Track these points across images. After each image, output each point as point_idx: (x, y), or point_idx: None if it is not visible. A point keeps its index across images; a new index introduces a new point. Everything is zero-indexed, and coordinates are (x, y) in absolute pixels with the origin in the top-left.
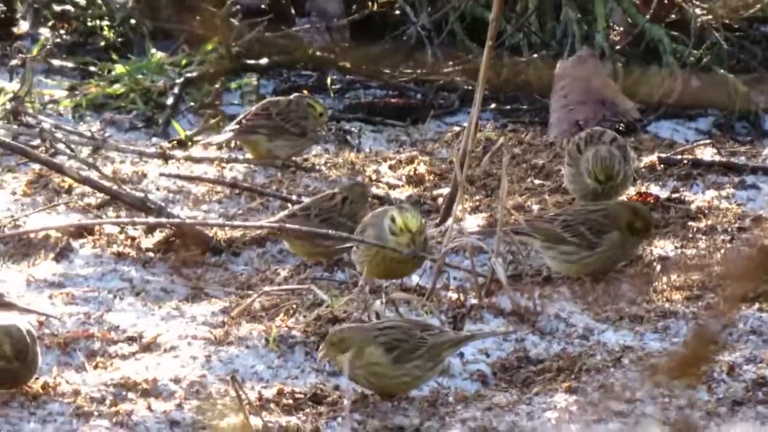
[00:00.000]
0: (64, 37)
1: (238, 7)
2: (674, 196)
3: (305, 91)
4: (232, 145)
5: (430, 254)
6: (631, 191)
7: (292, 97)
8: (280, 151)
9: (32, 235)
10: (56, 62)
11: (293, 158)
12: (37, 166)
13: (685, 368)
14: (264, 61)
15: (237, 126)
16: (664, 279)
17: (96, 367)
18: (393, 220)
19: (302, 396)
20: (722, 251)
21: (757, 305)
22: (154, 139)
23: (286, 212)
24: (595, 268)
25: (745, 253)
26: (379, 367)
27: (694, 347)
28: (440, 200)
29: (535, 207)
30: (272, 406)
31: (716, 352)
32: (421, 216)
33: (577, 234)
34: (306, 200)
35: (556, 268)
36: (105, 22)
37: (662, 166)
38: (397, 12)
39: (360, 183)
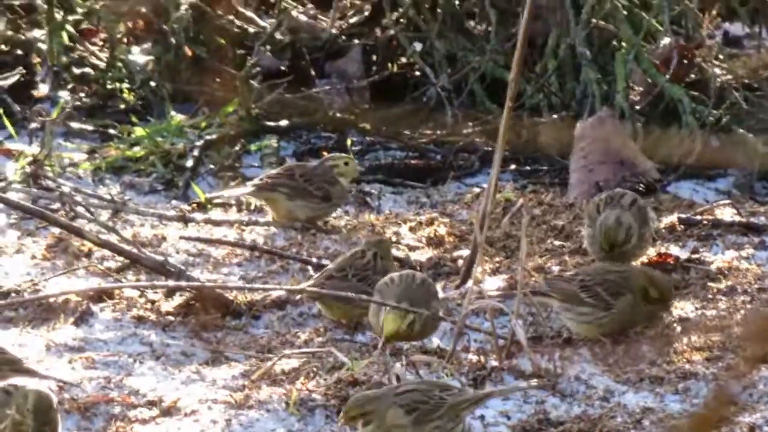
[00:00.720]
0: (84, 99)
1: (258, 69)
2: (694, 256)
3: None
4: (252, 207)
5: (450, 317)
6: (651, 252)
7: (321, 160)
8: (299, 212)
9: (52, 300)
10: (75, 125)
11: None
12: (56, 230)
13: (703, 429)
14: (284, 122)
15: (258, 183)
16: (685, 340)
17: (116, 431)
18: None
19: None
20: (742, 312)
21: None
22: (173, 202)
23: (322, 274)
24: (611, 329)
25: (765, 313)
26: (401, 430)
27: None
28: (460, 262)
29: (555, 268)
30: None
31: (736, 413)
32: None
33: (593, 295)
34: (336, 261)
35: (575, 329)
36: (125, 85)
37: (682, 226)
38: (417, 73)
39: (383, 239)
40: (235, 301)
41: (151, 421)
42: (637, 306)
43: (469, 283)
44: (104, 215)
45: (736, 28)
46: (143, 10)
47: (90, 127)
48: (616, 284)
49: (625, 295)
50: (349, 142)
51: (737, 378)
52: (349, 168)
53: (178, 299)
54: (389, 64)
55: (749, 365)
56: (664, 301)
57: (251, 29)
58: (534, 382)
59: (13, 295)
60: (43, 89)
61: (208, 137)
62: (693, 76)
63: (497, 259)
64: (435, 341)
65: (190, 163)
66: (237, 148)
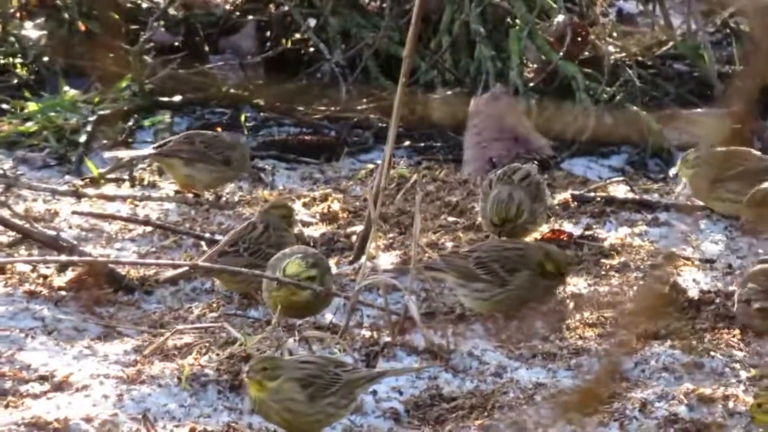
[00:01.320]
0: None
1: (152, 44)
2: (587, 233)
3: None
4: (146, 182)
5: (343, 292)
6: (545, 228)
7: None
8: (199, 176)
9: None
10: None
11: (215, 191)
12: None
13: (592, 403)
14: (177, 98)
15: (156, 147)
16: (577, 316)
17: (7, 406)
18: (283, 271)
19: None
20: (635, 288)
21: (669, 342)
22: (66, 177)
23: (215, 250)
24: (507, 306)
25: (657, 290)
26: (294, 404)
27: (602, 382)
28: (354, 238)
29: (449, 244)
30: None
31: (628, 389)
32: (319, 268)
33: (490, 271)
34: (228, 235)
35: (469, 305)
36: (18, 60)
37: (575, 203)
38: (311, 49)
39: (277, 204)
40: (127, 276)
41: (42, 395)
42: (534, 281)
43: (363, 258)
44: None
45: (630, 6)
46: None
47: None
48: (512, 261)
49: (522, 271)
50: (243, 117)
51: (629, 354)
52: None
53: (70, 274)
54: (283, 40)
55: (641, 341)
56: (561, 275)
57: (144, 4)
58: (427, 363)
59: None
60: None
61: (101, 112)
62: (587, 53)
63: (391, 235)
64: (328, 317)
65: (83, 138)
66: (130, 123)
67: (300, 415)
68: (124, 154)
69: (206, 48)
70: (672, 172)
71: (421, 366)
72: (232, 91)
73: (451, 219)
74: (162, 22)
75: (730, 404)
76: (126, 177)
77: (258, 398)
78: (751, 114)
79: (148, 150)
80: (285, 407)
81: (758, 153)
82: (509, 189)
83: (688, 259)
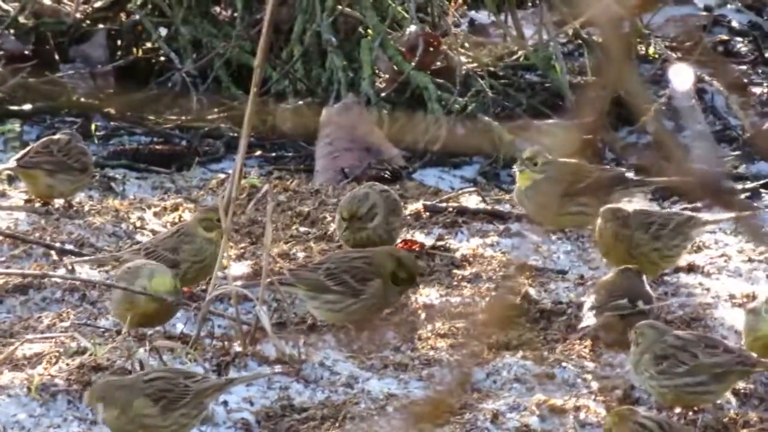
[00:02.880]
0: None
1: (2, 52)
2: (439, 243)
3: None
4: None
5: (194, 302)
6: (397, 239)
7: (66, 132)
8: (60, 186)
9: None
10: None
11: (66, 200)
12: None
13: (439, 413)
14: (28, 107)
15: (18, 160)
16: (429, 327)
17: None
18: (148, 281)
19: None
20: (486, 299)
21: (520, 353)
22: None
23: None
24: (360, 315)
25: (507, 300)
26: (148, 419)
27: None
28: None
29: (301, 254)
30: None
31: (479, 400)
32: (174, 275)
33: (341, 282)
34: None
35: (321, 316)
36: None
37: (427, 213)
38: (162, 58)
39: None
40: None
41: None
42: (387, 289)
43: (214, 269)
44: None
45: (482, 16)
46: None
47: None
48: (362, 270)
49: (374, 280)
50: (93, 126)
51: (480, 364)
52: None
53: None
54: (134, 49)
55: (492, 351)
56: (413, 280)
57: None
58: (278, 368)
59: None
60: None
61: None
62: (439, 63)
63: (242, 245)
64: (179, 326)
65: None
66: None
67: (154, 428)
68: None
69: (56, 57)
70: (514, 169)
71: (272, 371)
72: (82, 99)
73: (302, 229)
74: (12, 30)
75: (582, 415)
76: None
77: (109, 418)
78: (602, 125)
79: (11, 163)
80: (139, 424)
81: (592, 166)
82: (367, 189)
83: (539, 269)
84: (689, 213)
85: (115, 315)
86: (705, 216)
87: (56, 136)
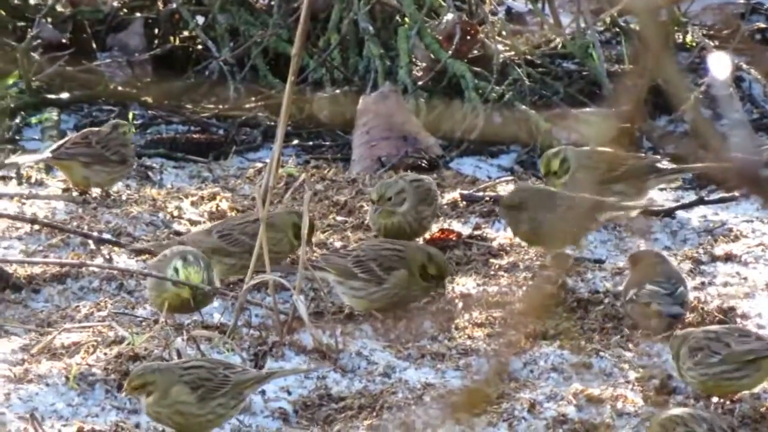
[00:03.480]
0: None
1: (39, 41)
2: (476, 233)
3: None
4: (33, 180)
5: (231, 291)
6: (434, 228)
7: (109, 124)
8: (97, 178)
9: None
10: None
11: (105, 189)
12: None
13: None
14: (65, 95)
15: (54, 151)
16: (466, 316)
17: None
18: (176, 271)
19: None
20: (523, 288)
21: (557, 342)
22: None
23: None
24: (386, 304)
25: (546, 290)
26: (184, 406)
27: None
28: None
29: (338, 244)
30: None
31: (517, 389)
32: (205, 266)
33: (367, 270)
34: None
35: (348, 302)
36: None
37: (464, 202)
38: (200, 47)
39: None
40: (14, 274)
41: None
42: (412, 282)
43: (252, 258)
44: None
45: (519, 5)
46: None
47: None
48: (389, 260)
49: (399, 270)
50: (131, 115)
51: (517, 354)
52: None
53: None
54: (171, 38)
55: (530, 341)
56: (442, 278)
57: (32, 1)
58: (315, 362)
59: None
60: None
61: None
62: (476, 52)
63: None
64: (216, 316)
65: None
66: (17, 120)
67: (190, 416)
68: (23, 159)
69: (94, 45)
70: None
71: (310, 367)
72: (119, 88)
73: (339, 218)
74: (49, 19)
75: (619, 405)
76: (13, 175)
77: (147, 403)
78: (640, 114)
79: (46, 154)
80: (175, 410)
81: (627, 154)
82: (398, 178)
83: (577, 259)
84: (598, 198)
85: (152, 304)
86: (612, 200)
87: (98, 128)
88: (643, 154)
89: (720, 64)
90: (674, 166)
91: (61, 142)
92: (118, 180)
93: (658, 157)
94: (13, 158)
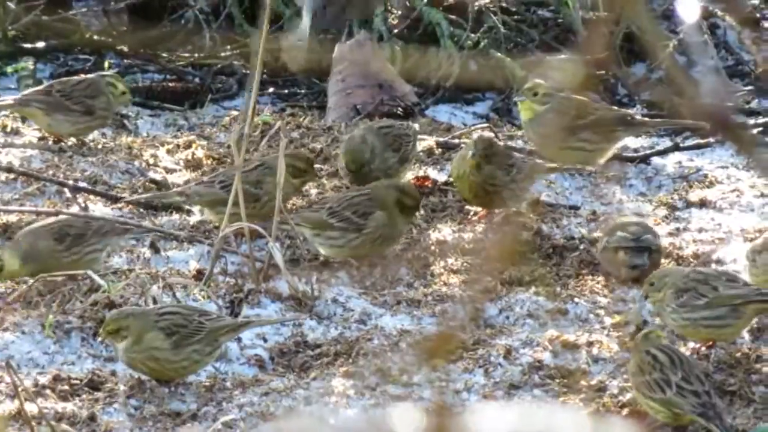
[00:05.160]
0: None
1: None
2: (452, 180)
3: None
4: (8, 129)
5: (207, 239)
6: (409, 175)
7: (89, 76)
8: (60, 127)
9: None
10: None
11: (80, 138)
12: None
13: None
14: (41, 44)
15: (18, 97)
16: (442, 263)
17: None
18: None
19: (78, 382)
20: (498, 235)
21: (533, 289)
22: None
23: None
24: (365, 250)
25: (521, 236)
26: (159, 352)
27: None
28: None
29: (313, 191)
30: (48, 392)
31: (492, 335)
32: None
33: (342, 219)
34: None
35: (326, 252)
36: None
37: (440, 150)
38: None
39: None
40: None
41: None
42: (394, 219)
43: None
44: None
45: None
46: None
47: None
48: (363, 206)
49: (376, 212)
50: (106, 64)
51: (493, 300)
52: (122, 98)
53: None
54: None
55: (505, 287)
56: (418, 204)
57: None
58: (291, 311)
59: None
60: None
61: None
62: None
63: None
64: (192, 264)
65: None
66: None
67: (164, 362)
68: None
69: None
70: (515, 99)
71: (285, 316)
72: (95, 37)
73: (316, 166)
74: None
75: (594, 350)
76: None
77: (122, 348)
78: (614, 61)
79: (9, 100)
80: (149, 356)
81: (598, 104)
82: (363, 134)
83: (551, 205)
84: (537, 160)
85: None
86: (548, 164)
87: (67, 78)
88: (615, 107)
89: (688, 8)
90: (646, 119)
91: (29, 91)
92: (89, 130)
93: (631, 111)
94: None
